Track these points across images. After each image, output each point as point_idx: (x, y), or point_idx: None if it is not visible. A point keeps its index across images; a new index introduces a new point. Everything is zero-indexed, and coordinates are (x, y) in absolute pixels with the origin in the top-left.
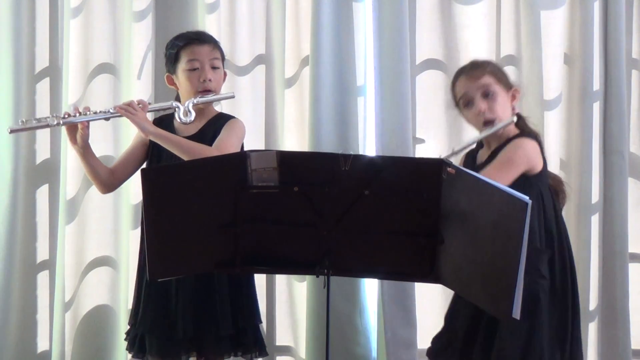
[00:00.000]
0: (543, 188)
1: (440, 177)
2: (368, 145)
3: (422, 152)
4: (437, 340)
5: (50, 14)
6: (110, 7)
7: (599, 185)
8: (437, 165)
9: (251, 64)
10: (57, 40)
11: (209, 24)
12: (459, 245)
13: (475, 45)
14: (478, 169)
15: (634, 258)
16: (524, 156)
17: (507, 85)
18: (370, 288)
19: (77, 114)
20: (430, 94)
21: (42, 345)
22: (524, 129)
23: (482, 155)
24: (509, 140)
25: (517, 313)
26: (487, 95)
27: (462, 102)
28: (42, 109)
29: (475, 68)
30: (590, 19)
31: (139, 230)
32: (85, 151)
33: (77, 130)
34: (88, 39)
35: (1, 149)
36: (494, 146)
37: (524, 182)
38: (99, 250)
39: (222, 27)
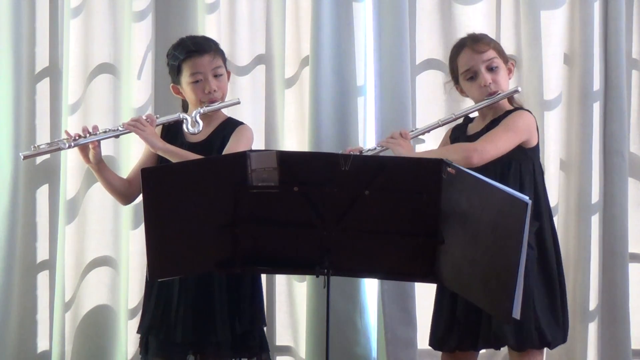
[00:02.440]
0: (536, 163)
1: (440, 177)
2: (368, 145)
3: None
4: (435, 327)
5: (50, 14)
6: (110, 7)
7: (599, 186)
8: (437, 165)
9: (251, 64)
10: (57, 40)
11: (209, 24)
12: (459, 245)
13: None
14: (470, 138)
15: (634, 258)
16: (526, 125)
17: (506, 59)
18: (370, 288)
19: (87, 135)
20: (430, 94)
21: (42, 345)
22: (516, 105)
23: (475, 127)
24: (507, 112)
25: (517, 313)
26: (491, 68)
27: (465, 74)
28: (42, 109)
29: (478, 41)
30: (590, 19)
31: (138, 230)
32: (100, 167)
33: (89, 150)
34: (88, 39)
35: (1, 149)
36: (489, 118)
37: (522, 154)
38: (99, 250)
39: (222, 27)
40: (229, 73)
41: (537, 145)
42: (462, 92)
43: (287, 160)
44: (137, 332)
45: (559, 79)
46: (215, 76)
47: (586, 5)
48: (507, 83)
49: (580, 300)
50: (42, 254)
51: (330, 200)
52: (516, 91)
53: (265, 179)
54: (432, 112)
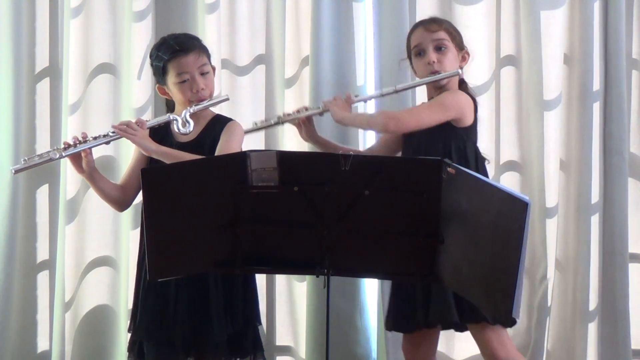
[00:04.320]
0: (468, 144)
1: (440, 177)
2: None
3: None
4: (391, 311)
5: (50, 14)
6: (110, 7)
7: (599, 186)
8: (437, 165)
9: (251, 64)
10: (57, 40)
11: (209, 24)
12: (459, 245)
13: (475, 45)
14: None
15: (634, 258)
16: (455, 103)
17: (460, 45)
18: (370, 288)
19: (78, 143)
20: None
21: (42, 345)
22: (469, 92)
23: None
24: None
25: (517, 313)
26: (439, 48)
27: (414, 51)
28: (42, 109)
29: (433, 22)
30: (590, 19)
31: (139, 230)
32: (94, 176)
33: (82, 159)
34: (88, 39)
35: (1, 149)
36: (433, 97)
37: (450, 131)
38: (99, 250)
39: (222, 27)
40: (214, 68)
41: (473, 126)
42: (415, 70)
43: (287, 160)
44: (128, 331)
45: (559, 79)
46: (202, 74)
47: (586, 5)
48: (453, 67)
49: (580, 300)
50: (42, 254)
51: (330, 200)
52: (456, 74)
53: (265, 179)
54: None
